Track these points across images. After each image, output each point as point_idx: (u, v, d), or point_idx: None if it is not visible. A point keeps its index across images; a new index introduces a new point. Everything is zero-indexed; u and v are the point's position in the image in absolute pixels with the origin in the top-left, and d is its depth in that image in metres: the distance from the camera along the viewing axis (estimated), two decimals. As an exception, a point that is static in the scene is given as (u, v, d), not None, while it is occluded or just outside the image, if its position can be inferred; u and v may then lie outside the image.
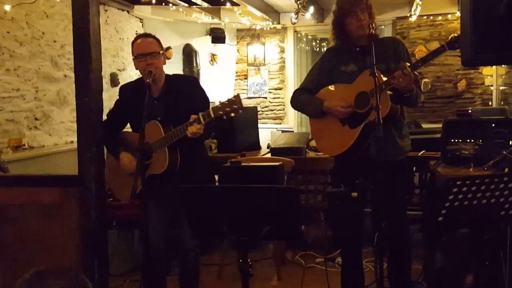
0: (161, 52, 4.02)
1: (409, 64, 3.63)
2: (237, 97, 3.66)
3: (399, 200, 4.05)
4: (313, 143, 6.87)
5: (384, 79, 3.74)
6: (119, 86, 4.40)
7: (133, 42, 4.07)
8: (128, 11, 8.64)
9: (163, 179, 3.88)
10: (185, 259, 4.14)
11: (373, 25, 3.73)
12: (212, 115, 3.66)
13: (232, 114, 3.64)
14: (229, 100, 3.66)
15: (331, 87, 4.14)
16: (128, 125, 4.25)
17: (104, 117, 4.18)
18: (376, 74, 3.46)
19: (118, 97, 4.29)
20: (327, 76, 4.19)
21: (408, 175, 4.30)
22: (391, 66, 3.90)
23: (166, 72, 4.14)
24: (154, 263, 3.96)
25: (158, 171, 3.87)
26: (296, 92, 4.39)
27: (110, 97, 7.32)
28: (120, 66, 8.30)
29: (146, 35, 4.13)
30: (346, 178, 3.95)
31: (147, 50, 3.94)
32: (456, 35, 3.58)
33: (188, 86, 4.18)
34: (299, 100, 4.32)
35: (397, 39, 4.25)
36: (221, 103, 3.68)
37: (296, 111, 10.67)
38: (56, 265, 2.14)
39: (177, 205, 3.92)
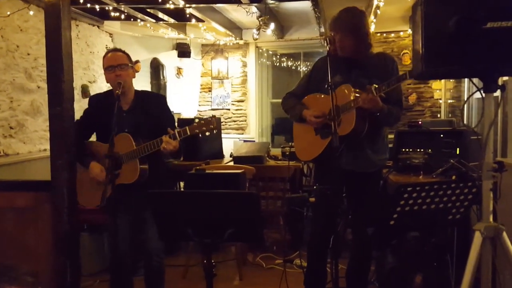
0: (129, 65, 4.01)
1: (376, 86, 3.61)
2: (213, 117, 3.68)
3: (366, 209, 4.06)
4: (273, 151, 6.91)
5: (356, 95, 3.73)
6: (90, 96, 4.37)
7: (104, 56, 4.07)
8: (98, 26, 8.57)
9: (132, 188, 3.85)
10: (150, 262, 4.12)
11: (328, 41, 3.72)
12: (188, 133, 3.70)
13: (207, 133, 3.65)
14: (205, 120, 3.68)
15: (315, 96, 4.13)
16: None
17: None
18: (349, 89, 3.58)
19: (87, 107, 4.26)
20: (314, 84, 4.17)
21: (378, 187, 4.27)
22: (374, 82, 3.77)
23: (135, 86, 4.14)
24: (120, 266, 3.93)
25: (128, 181, 3.85)
26: (286, 95, 4.37)
27: (81, 108, 7.20)
28: (90, 78, 8.22)
29: (116, 50, 4.13)
30: (320, 184, 3.98)
31: (116, 62, 3.95)
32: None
33: (156, 102, 4.18)
34: (286, 104, 4.32)
35: (390, 57, 4.14)
36: (198, 123, 3.70)
37: (257, 123, 10.74)
38: (29, 266, 2.09)
39: (143, 211, 3.93)
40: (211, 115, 3.69)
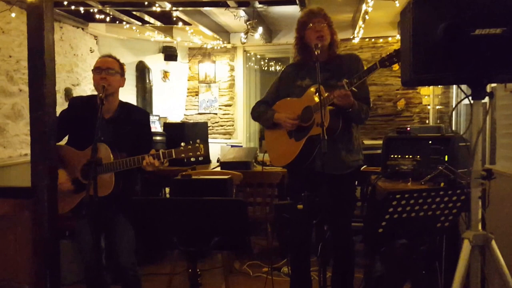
0: (119, 72, 4.02)
1: (347, 81, 3.65)
2: (202, 145, 3.71)
3: (343, 212, 4.06)
4: (261, 157, 6.90)
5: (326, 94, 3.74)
6: (71, 97, 4.33)
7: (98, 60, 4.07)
8: (82, 28, 8.55)
9: (104, 199, 3.79)
10: (124, 277, 4.01)
11: (318, 46, 3.74)
12: (174, 156, 3.71)
13: (192, 159, 3.65)
14: (193, 146, 3.70)
15: (285, 100, 4.15)
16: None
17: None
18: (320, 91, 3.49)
19: (66, 107, 4.22)
20: (284, 90, 4.19)
21: (353, 189, 4.30)
22: None
23: (120, 90, 4.12)
24: (93, 278, 3.89)
25: (102, 194, 3.75)
26: (256, 104, 4.41)
27: (64, 112, 7.25)
28: (74, 81, 8.20)
29: (109, 55, 4.12)
30: (295, 190, 3.96)
31: (104, 65, 3.94)
32: (388, 52, 3.64)
33: (139, 118, 4.15)
34: (256, 111, 4.34)
35: (356, 56, 4.24)
36: (184, 147, 3.72)
37: (244, 128, 10.74)
38: (8, 275, 2.09)
39: (113, 225, 3.91)
40: (198, 142, 3.69)
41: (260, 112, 4.28)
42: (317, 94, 3.64)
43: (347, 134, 4.00)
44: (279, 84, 4.29)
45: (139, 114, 4.22)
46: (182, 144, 3.74)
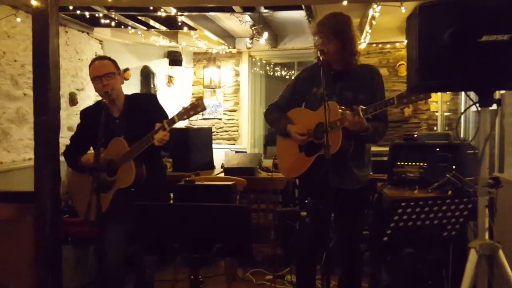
0: (117, 72, 4.01)
1: (363, 108, 3.53)
2: (199, 100, 3.73)
3: (354, 225, 4.01)
4: (265, 163, 6.88)
5: (345, 109, 3.63)
6: (80, 110, 4.33)
7: (90, 65, 4.04)
8: (88, 33, 8.57)
9: (132, 194, 3.83)
10: (142, 275, 4.07)
11: (324, 51, 3.68)
12: (177, 120, 3.77)
13: (197, 115, 3.67)
14: (192, 104, 3.74)
15: (301, 110, 4.06)
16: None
17: (62, 136, 4.11)
18: (328, 106, 3.41)
19: (79, 122, 4.24)
20: (298, 95, 4.09)
21: (365, 203, 4.24)
22: (360, 97, 3.76)
23: (124, 93, 4.13)
24: (111, 277, 3.89)
25: (126, 184, 3.82)
26: (270, 107, 4.29)
27: (68, 116, 7.25)
28: (79, 86, 8.20)
29: (102, 58, 4.12)
30: (304, 199, 3.93)
31: (102, 71, 3.93)
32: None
33: (147, 103, 4.18)
34: (270, 116, 4.23)
35: (375, 69, 4.05)
36: (184, 108, 3.76)
37: (249, 133, 10.72)
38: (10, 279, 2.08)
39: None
40: (197, 98, 3.72)
41: (274, 119, 4.18)
42: (334, 110, 3.59)
43: (359, 151, 3.91)
44: (294, 88, 4.16)
45: (146, 100, 4.27)
46: (182, 106, 3.77)
